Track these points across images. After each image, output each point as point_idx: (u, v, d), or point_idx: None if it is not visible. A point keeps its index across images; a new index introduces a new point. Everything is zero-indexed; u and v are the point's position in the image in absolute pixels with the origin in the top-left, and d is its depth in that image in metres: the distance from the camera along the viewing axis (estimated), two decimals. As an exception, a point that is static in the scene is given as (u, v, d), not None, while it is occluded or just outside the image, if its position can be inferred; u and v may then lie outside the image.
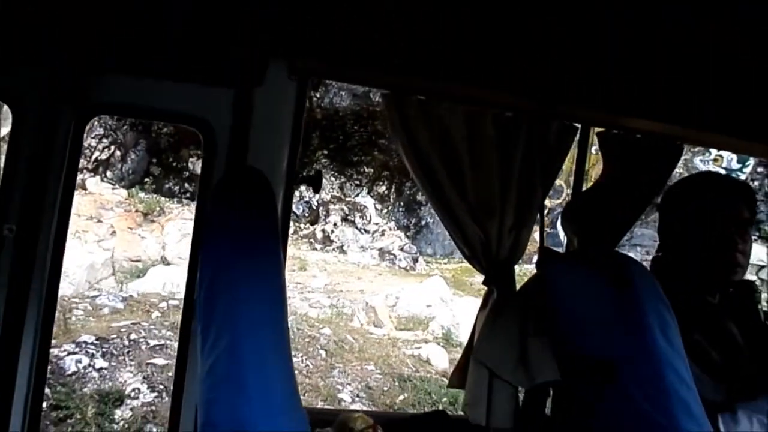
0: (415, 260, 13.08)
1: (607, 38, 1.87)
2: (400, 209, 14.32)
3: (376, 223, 13.34)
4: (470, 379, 2.10)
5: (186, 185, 13.02)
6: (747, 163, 12.34)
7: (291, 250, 11.94)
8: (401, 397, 6.83)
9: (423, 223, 14.58)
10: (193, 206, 12.14)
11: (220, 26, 1.83)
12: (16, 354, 1.74)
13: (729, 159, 12.24)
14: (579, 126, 2.18)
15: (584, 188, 2.35)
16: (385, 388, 6.96)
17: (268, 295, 1.58)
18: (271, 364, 1.49)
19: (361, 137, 13.43)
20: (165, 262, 10.05)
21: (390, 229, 13.41)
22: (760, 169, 12.85)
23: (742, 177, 12.54)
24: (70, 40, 1.73)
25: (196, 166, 12.98)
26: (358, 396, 6.77)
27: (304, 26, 1.87)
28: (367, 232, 13.13)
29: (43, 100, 1.73)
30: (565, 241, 2.30)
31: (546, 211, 2.24)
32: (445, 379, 6.99)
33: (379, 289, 10.30)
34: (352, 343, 7.84)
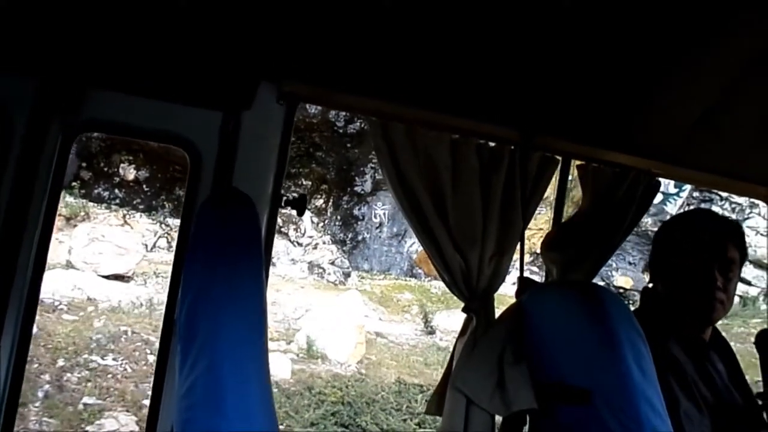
0: (347, 275, 13.20)
1: (588, 73, 1.98)
2: (337, 223, 14.40)
3: (311, 237, 13.39)
4: (447, 406, 2.17)
5: (116, 191, 12.78)
6: (683, 188, 12.90)
7: None
8: None
9: (360, 238, 14.69)
10: (121, 213, 12.00)
11: (211, 49, 1.90)
12: None
13: (666, 183, 12.84)
14: (560, 158, 2.30)
15: (563, 219, 2.45)
16: None
17: (249, 317, 1.63)
18: (250, 386, 1.53)
19: (299, 149, 13.47)
20: (69, 265, 9.91)
21: (324, 243, 13.47)
22: (696, 194, 13.49)
23: (679, 201, 13.16)
24: (62, 54, 1.77)
25: (127, 172, 12.77)
26: None
27: (293, 51, 1.95)
28: (300, 245, 13.19)
29: (31, 112, 1.75)
30: (544, 271, 2.42)
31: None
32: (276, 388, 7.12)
33: (293, 302, 10.55)
34: None
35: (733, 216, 13.08)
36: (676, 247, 2.08)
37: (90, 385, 6.87)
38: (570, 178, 2.39)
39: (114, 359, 7.44)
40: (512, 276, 2.36)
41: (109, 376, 7.13)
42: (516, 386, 1.98)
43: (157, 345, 7.44)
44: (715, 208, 13.46)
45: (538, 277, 2.52)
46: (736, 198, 13.07)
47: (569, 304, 1.98)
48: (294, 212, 2.16)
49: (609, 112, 2.11)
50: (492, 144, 2.20)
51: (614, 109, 2.10)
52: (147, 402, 6.44)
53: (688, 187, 12.51)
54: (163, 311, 1.97)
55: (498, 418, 2.12)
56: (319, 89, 2.10)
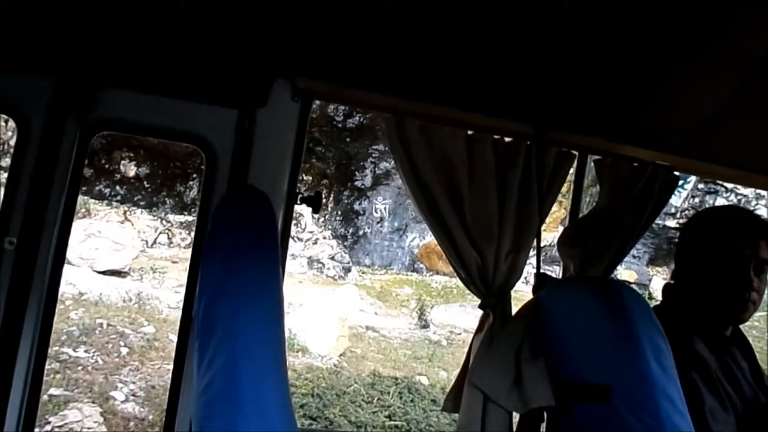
0: (347, 270, 13.24)
1: (602, 67, 1.99)
2: (338, 218, 14.43)
3: (311, 232, 13.43)
4: (464, 402, 2.19)
5: (117, 188, 12.81)
6: (688, 180, 12.90)
7: None
8: None
9: (361, 233, 14.71)
10: (122, 209, 12.04)
11: (226, 47, 1.91)
12: (12, 365, 1.81)
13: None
14: (576, 153, 2.31)
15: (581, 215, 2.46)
16: None
17: (267, 313, 1.64)
18: (268, 382, 1.54)
19: (299, 144, 13.43)
20: (66, 261, 9.83)
21: (324, 238, 13.51)
22: (701, 186, 13.50)
23: (684, 193, 13.16)
24: (78, 54, 1.78)
25: (127, 168, 12.79)
26: (134, 396, 6.87)
27: (308, 48, 1.96)
28: (300, 240, 13.22)
29: (48, 112, 1.77)
30: (562, 267, 2.43)
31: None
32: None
33: (287, 297, 10.55)
34: (171, 341, 7.98)
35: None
36: (707, 245, 2.06)
37: (59, 376, 6.88)
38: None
39: (86, 351, 7.47)
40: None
41: (79, 368, 7.16)
42: (533, 383, 1.99)
43: (132, 338, 7.69)
44: (720, 200, 13.49)
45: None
46: (741, 189, 13.07)
47: (587, 300, 1.98)
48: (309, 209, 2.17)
49: (625, 106, 2.12)
50: (507, 139, 2.20)
51: (630, 103, 2.11)
52: (114, 393, 6.70)
53: (693, 178, 12.52)
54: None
55: (515, 415, 2.13)
56: (333, 86, 2.11)
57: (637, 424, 1.71)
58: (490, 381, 2.09)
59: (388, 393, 8.12)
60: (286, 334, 9.00)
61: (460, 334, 11.09)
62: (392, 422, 7.59)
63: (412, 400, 8.11)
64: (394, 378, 8.54)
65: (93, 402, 6.60)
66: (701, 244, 2.08)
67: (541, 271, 2.23)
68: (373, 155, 14.68)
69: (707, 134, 2.19)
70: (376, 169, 14.77)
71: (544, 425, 2.14)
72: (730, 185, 12.83)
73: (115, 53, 1.83)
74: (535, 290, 2.17)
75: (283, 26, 1.87)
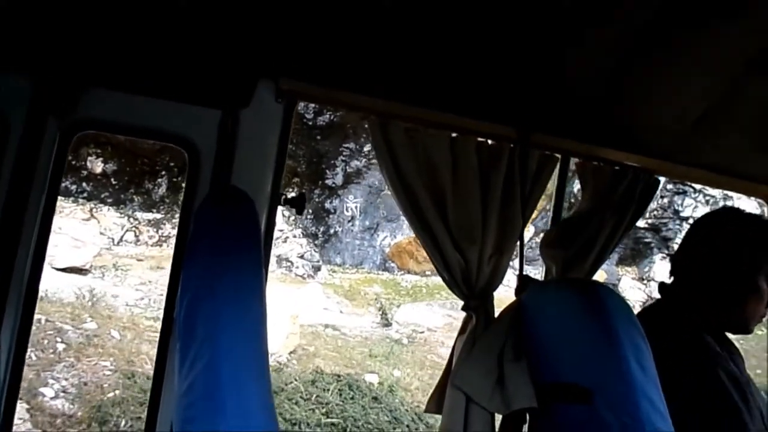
0: (317, 269, 13.23)
1: (586, 71, 2.03)
2: (309, 217, 14.41)
3: (281, 230, 13.40)
4: (447, 404, 2.21)
5: (83, 184, 12.61)
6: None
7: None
8: (111, 395, 6.98)
9: (332, 231, 14.71)
10: (88, 206, 11.88)
11: (209, 47, 1.91)
12: None
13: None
14: (559, 156, 2.35)
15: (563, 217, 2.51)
16: (105, 385, 7.09)
17: (249, 314, 1.64)
18: (250, 384, 1.54)
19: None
20: None
21: (294, 237, 13.48)
22: (669, 186, 13.74)
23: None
24: (60, 52, 1.76)
25: (94, 165, 12.61)
26: (64, 392, 6.84)
27: (292, 49, 1.96)
28: (270, 238, 13.19)
29: (28, 112, 1.75)
30: (544, 269, 2.47)
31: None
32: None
33: None
34: (112, 338, 8.01)
35: (707, 208, 13.37)
36: (717, 252, 2.08)
37: (-15, 373, 6.84)
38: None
39: (19, 347, 7.46)
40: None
41: (9, 363, 7.13)
42: (516, 385, 2.01)
43: (70, 334, 7.62)
44: (689, 200, 13.75)
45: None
46: (710, 190, 13.33)
47: (569, 301, 2.01)
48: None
49: (607, 110, 2.15)
50: (491, 142, 2.23)
51: (613, 107, 2.15)
52: (44, 390, 6.64)
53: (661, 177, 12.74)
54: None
55: (498, 416, 2.15)
56: (317, 87, 2.11)
57: (618, 425, 1.74)
58: (472, 382, 2.11)
59: (328, 390, 8.09)
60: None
61: (422, 332, 11.16)
62: (329, 419, 7.58)
63: (352, 398, 8.08)
64: (336, 375, 8.52)
65: (20, 398, 6.55)
66: (712, 253, 2.09)
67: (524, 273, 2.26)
68: (344, 153, 14.68)
69: (687, 139, 2.24)
70: (347, 167, 14.77)
71: (526, 426, 2.16)
72: (698, 186, 13.06)
73: (97, 52, 1.82)
74: (517, 292, 2.20)
75: (268, 27, 1.87)
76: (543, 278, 2.45)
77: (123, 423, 6.62)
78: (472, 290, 2.24)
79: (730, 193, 12.83)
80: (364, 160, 14.83)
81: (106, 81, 1.85)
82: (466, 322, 2.27)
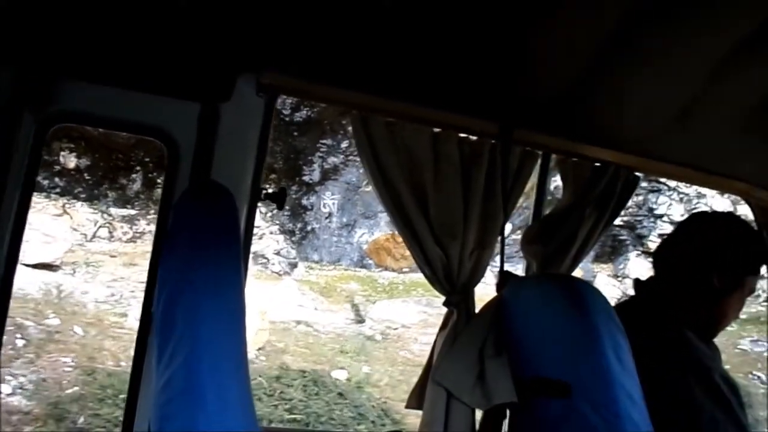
0: (294, 265, 13.22)
1: (566, 68, 2.04)
2: (286, 213, 14.38)
3: (258, 226, 13.37)
4: (428, 399, 2.21)
5: (56, 179, 12.44)
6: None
7: None
8: (69, 391, 6.95)
9: (309, 228, 14.69)
10: (61, 202, 11.74)
11: (189, 40, 1.89)
12: None
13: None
14: (540, 152, 2.36)
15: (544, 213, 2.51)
16: (64, 381, 7.07)
17: (228, 309, 1.63)
18: (228, 379, 1.53)
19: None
20: None
21: (271, 233, 13.45)
22: (644, 184, 13.90)
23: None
24: (36, 44, 1.73)
25: (67, 160, 12.45)
26: (21, 389, 6.82)
27: (273, 43, 1.95)
28: (246, 235, 13.16)
29: (4, 104, 1.72)
30: (525, 265, 2.49)
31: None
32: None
33: None
34: (75, 334, 8.00)
35: (681, 206, 13.56)
36: (705, 249, 2.10)
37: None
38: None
39: (-24, 344, 7.39)
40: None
41: (-35, 360, 7.11)
42: (496, 379, 2.03)
43: (31, 330, 7.60)
44: (663, 198, 13.92)
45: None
46: (684, 188, 13.49)
47: (549, 297, 2.03)
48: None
49: (588, 107, 2.17)
50: (473, 138, 2.24)
51: (593, 104, 2.16)
52: (1, 386, 6.56)
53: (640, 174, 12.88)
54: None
55: (479, 412, 2.16)
56: (298, 81, 2.10)
57: (597, 419, 1.76)
58: (453, 378, 2.12)
59: (292, 386, 8.08)
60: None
61: (396, 329, 11.18)
62: (292, 416, 7.56)
63: (316, 394, 8.08)
64: (302, 371, 8.51)
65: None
66: (707, 256, 2.11)
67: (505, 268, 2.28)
68: (321, 150, 14.63)
69: (666, 136, 2.26)
70: (325, 164, 14.72)
71: (506, 421, 2.18)
72: (672, 183, 13.22)
73: (76, 44, 1.79)
74: (498, 287, 2.22)
75: (249, 20, 1.85)
76: (524, 274, 2.47)
77: (81, 420, 6.57)
78: (454, 285, 2.24)
79: (703, 191, 13.03)
80: (341, 156, 14.79)
81: (84, 73, 1.83)
82: (447, 318, 2.28)
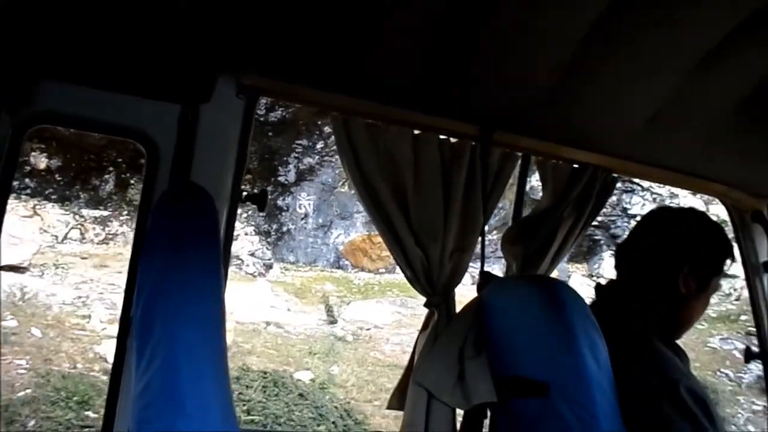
0: (269, 266, 13.19)
1: (546, 71, 2.07)
2: (261, 214, 14.35)
3: (233, 228, 13.30)
4: (409, 400, 2.24)
5: (27, 180, 12.27)
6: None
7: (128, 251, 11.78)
8: (21, 394, 6.92)
9: (285, 229, 14.65)
10: (32, 203, 11.59)
11: (169, 41, 1.88)
12: None
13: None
14: (520, 154, 2.39)
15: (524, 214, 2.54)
16: (17, 384, 7.04)
17: (207, 312, 1.63)
18: (208, 383, 1.53)
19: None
20: None
21: (246, 234, 13.40)
22: (618, 185, 14.09)
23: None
24: (13, 44, 1.70)
25: (38, 160, 12.29)
26: None
27: (253, 44, 1.95)
28: (221, 236, 13.11)
29: None
30: (505, 265, 2.51)
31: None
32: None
33: None
34: (32, 336, 7.98)
35: (654, 206, 13.76)
36: (679, 256, 2.08)
37: None
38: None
39: None
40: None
41: None
42: (476, 379, 2.04)
43: None
44: (636, 198, 14.12)
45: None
46: (657, 188, 13.68)
47: (527, 297, 2.04)
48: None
49: (566, 109, 2.19)
50: (453, 140, 2.26)
51: (571, 107, 2.18)
52: None
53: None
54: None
55: (459, 412, 2.18)
56: (279, 83, 2.11)
57: (574, 418, 1.78)
58: (433, 378, 2.13)
59: (252, 387, 8.06)
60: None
61: (369, 329, 11.22)
62: (250, 417, 7.54)
63: (276, 395, 8.05)
64: (263, 372, 8.49)
65: None
66: (676, 248, 2.10)
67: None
68: (297, 150, 14.60)
69: (644, 138, 2.29)
70: (300, 164, 14.70)
71: (487, 421, 2.19)
72: (646, 184, 13.39)
73: (53, 45, 1.76)
74: (479, 288, 2.23)
75: (229, 21, 1.85)
76: (504, 274, 2.50)
77: (32, 423, 6.51)
78: (434, 287, 2.26)
79: (676, 191, 13.22)
80: (317, 157, 14.78)
81: (63, 74, 1.81)
82: (428, 319, 2.30)
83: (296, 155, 14.54)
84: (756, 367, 10.99)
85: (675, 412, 1.85)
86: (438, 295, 2.27)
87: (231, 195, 2.06)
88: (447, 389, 2.09)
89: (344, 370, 9.58)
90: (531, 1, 1.77)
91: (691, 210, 2.20)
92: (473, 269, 2.31)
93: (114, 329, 8.67)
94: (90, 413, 6.96)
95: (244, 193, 2.11)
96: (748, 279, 2.71)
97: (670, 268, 2.06)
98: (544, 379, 1.85)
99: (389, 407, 2.37)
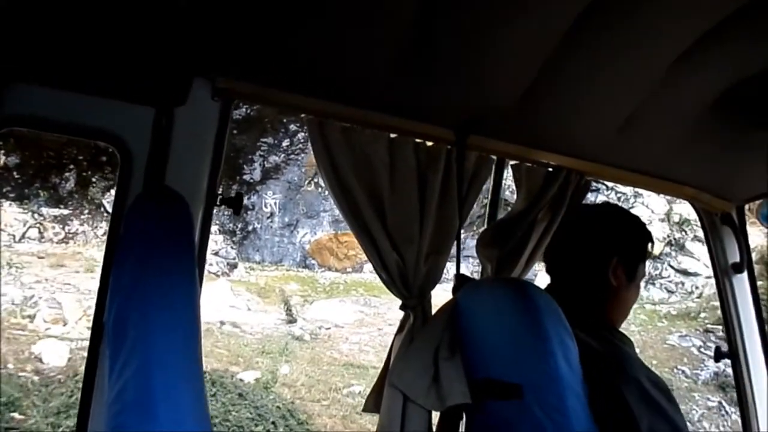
0: (233, 266, 13.13)
1: (518, 75, 2.11)
2: (226, 213, 14.26)
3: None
4: (384, 402, 2.23)
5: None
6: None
7: (92, 252, 11.61)
8: None
9: (250, 228, 14.59)
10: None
11: (143, 43, 1.86)
12: None
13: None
14: (495, 158, 2.43)
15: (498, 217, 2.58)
16: None
17: (181, 317, 1.62)
18: (182, 389, 1.52)
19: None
20: None
21: (211, 234, 13.31)
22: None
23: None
24: None
25: (-1, 160, 12.09)
26: None
27: (228, 47, 1.94)
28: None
29: None
30: (480, 268, 2.54)
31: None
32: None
33: None
34: None
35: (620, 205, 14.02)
36: (606, 248, 2.17)
37: None
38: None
39: None
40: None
41: None
42: (450, 381, 2.05)
43: None
44: (601, 198, 14.36)
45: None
46: (621, 188, 13.94)
47: (501, 299, 2.07)
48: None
49: (540, 113, 2.23)
50: (429, 144, 2.28)
51: (545, 111, 2.22)
52: None
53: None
54: (92, 314, 1.93)
55: (436, 415, 2.18)
56: (254, 86, 2.10)
57: (547, 421, 1.81)
58: (408, 380, 2.14)
59: None
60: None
61: (329, 328, 11.29)
62: None
63: (213, 395, 8.05)
64: (204, 372, 8.51)
65: None
66: (611, 244, 2.19)
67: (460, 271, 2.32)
68: (262, 149, 14.54)
69: (616, 141, 2.33)
70: (265, 162, 14.64)
71: (463, 423, 2.22)
72: (610, 183, 13.64)
73: (25, 47, 1.74)
74: (454, 290, 2.25)
75: (203, 23, 1.84)
76: (480, 277, 2.53)
77: None
78: (410, 289, 2.28)
79: (639, 190, 13.47)
80: (282, 155, 14.74)
81: (34, 76, 1.78)
82: (404, 321, 2.31)
83: (261, 153, 14.49)
84: (712, 364, 11.29)
85: (642, 405, 1.91)
86: (414, 298, 2.28)
87: (206, 198, 2.05)
88: (422, 391, 2.10)
89: (294, 370, 9.59)
90: (503, 6, 1.80)
91: (607, 204, 2.31)
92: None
93: (57, 329, 8.57)
94: (16, 414, 6.89)
95: (219, 197, 2.10)
96: (717, 280, 2.79)
97: (600, 261, 2.15)
98: (518, 381, 1.88)
99: (365, 410, 2.37)
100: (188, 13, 1.80)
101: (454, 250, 2.36)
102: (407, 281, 2.27)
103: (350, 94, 2.16)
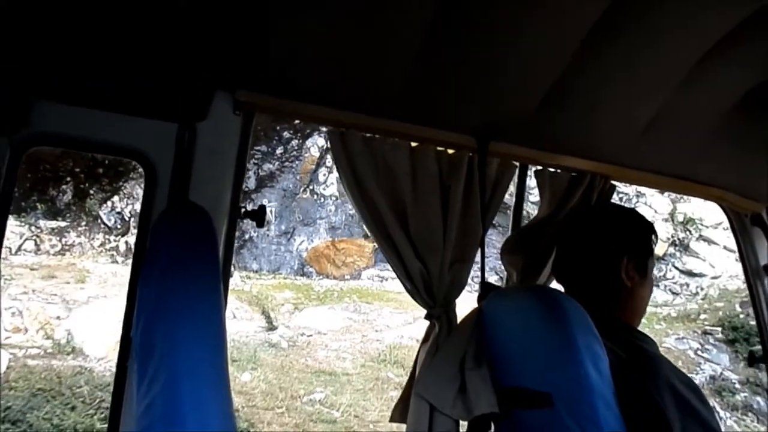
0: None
1: (540, 79, 2.11)
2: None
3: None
4: (411, 413, 2.24)
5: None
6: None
7: (84, 263, 11.58)
8: None
9: (247, 236, 14.56)
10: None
11: (164, 59, 1.89)
12: None
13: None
14: (517, 164, 2.43)
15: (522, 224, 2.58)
16: None
17: (207, 332, 1.63)
18: (210, 403, 1.53)
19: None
20: None
21: (206, 243, 13.28)
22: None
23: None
24: (9, 65, 1.69)
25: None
26: None
27: (248, 60, 1.96)
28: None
29: None
30: (505, 276, 2.54)
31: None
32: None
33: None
34: None
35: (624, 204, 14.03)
36: (615, 249, 2.15)
37: None
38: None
39: None
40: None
41: None
42: (477, 391, 2.04)
43: None
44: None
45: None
46: (623, 188, 13.93)
47: (527, 307, 2.06)
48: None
49: (562, 118, 2.24)
50: (451, 151, 2.29)
51: (568, 115, 2.23)
52: None
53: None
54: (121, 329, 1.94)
55: (463, 424, 2.17)
56: (274, 99, 2.11)
57: (578, 429, 1.79)
58: (435, 390, 2.14)
59: None
60: (64, 337, 8.94)
61: (310, 335, 11.25)
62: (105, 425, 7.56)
63: None
64: None
65: None
66: (620, 247, 2.16)
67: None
68: (256, 156, 14.53)
69: (640, 144, 2.34)
70: (260, 170, 14.62)
71: (491, 432, 2.22)
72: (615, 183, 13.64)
73: (49, 65, 1.77)
74: (479, 299, 2.25)
75: (224, 38, 1.86)
76: (504, 284, 2.53)
77: None
78: (434, 299, 2.28)
79: (643, 190, 13.47)
80: (276, 163, 14.72)
81: (60, 95, 1.81)
82: (429, 331, 2.32)
83: (255, 161, 14.47)
84: (708, 368, 11.23)
85: (675, 409, 1.88)
86: (438, 307, 2.29)
87: (229, 212, 2.07)
88: (448, 401, 2.10)
89: (257, 377, 9.55)
90: (524, 12, 1.81)
91: (601, 205, 2.30)
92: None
93: (18, 337, 8.55)
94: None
95: (243, 209, 2.10)
96: (748, 282, 2.75)
97: (611, 264, 2.13)
98: (547, 390, 1.87)
99: (391, 420, 2.37)
100: (208, 28, 1.81)
101: (478, 258, 2.35)
102: (431, 290, 2.27)
103: (370, 104, 2.17)
